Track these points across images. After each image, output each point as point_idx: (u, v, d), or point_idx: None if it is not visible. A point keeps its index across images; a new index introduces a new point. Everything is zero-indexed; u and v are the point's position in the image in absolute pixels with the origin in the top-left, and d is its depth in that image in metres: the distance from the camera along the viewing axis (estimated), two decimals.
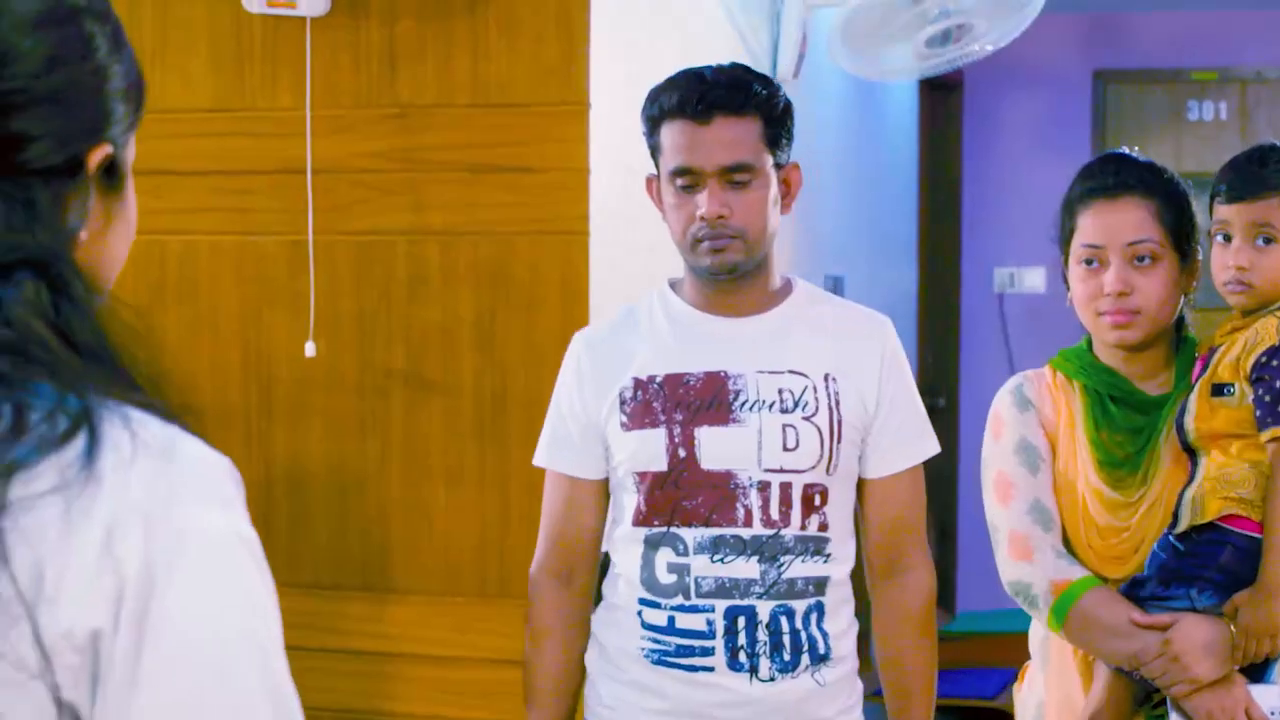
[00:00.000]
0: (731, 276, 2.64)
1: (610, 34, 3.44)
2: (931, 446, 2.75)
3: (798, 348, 2.67)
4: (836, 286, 5.26)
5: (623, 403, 2.66)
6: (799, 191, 2.71)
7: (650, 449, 2.63)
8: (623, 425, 2.66)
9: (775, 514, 2.60)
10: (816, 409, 2.63)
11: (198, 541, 1.11)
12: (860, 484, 2.71)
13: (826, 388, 2.64)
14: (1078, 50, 7.40)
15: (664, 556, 2.63)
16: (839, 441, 2.63)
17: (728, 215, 2.59)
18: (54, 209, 1.17)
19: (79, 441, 1.09)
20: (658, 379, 2.65)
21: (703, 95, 2.59)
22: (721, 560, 2.59)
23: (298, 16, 3.43)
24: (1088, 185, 2.62)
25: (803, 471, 2.61)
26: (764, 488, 2.60)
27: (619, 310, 2.80)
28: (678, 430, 2.62)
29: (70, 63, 1.18)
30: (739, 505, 2.60)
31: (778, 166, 2.66)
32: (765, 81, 2.66)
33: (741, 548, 2.59)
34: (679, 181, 2.62)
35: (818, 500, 2.62)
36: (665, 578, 2.63)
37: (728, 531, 2.59)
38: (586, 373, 2.71)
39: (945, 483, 6.96)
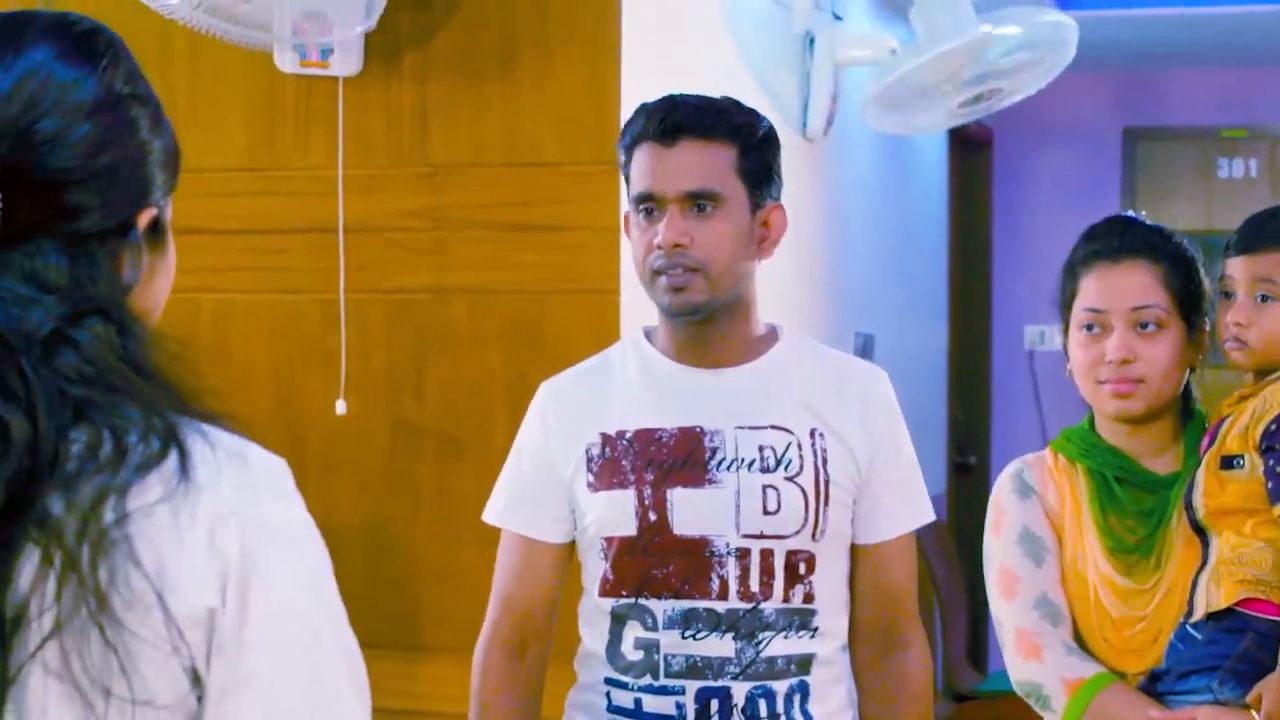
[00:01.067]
0: (696, 319, 2.40)
1: (641, 94, 3.44)
2: (928, 512, 2.55)
3: (782, 401, 2.42)
4: (866, 345, 5.25)
5: (590, 460, 2.42)
6: (781, 237, 2.46)
7: (618, 512, 2.38)
8: (590, 485, 2.42)
9: (755, 585, 2.36)
10: (801, 468, 2.39)
11: (279, 530, 1.31)
12: (851, 550, 2.47)
13: (813, 444, 2.40)
14: (1108, 107, 7.41)
15: (632, 631, 2.39)
16: (826, 504, 2.39)
17: (686, 245, 2.35)
18: (112, 264, 1.35)
19: (173, 456, 1.28)
20: (628, 434, 2.41)
21: (667, 115, 2.40)
22: (693, 636, 2.36)
23: (330, 76, 3.46)
24: (1091, 247, 2.48)
25: (785, 537, 2.38)
26: (743, 555, 2.36)
27: (590, 359, 2.58)
28: (648, 491, 2.37)
29: (117, 144, 1.36)
30: (714, 575, 2.36)
31: (757, 207, 2.42)
32: (746, 111, 2.46)
33: (715, 623, 2.36)
34: (642, 208, 2.41)
35: (803, 569, 2.38)
36: (632, 655, 2.39)
37: (700, 604, 2.36)
38: (553, 426, 2.47)
39: (975, 539, 6.89)
